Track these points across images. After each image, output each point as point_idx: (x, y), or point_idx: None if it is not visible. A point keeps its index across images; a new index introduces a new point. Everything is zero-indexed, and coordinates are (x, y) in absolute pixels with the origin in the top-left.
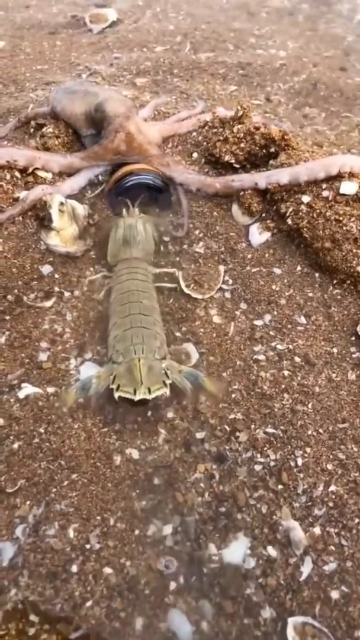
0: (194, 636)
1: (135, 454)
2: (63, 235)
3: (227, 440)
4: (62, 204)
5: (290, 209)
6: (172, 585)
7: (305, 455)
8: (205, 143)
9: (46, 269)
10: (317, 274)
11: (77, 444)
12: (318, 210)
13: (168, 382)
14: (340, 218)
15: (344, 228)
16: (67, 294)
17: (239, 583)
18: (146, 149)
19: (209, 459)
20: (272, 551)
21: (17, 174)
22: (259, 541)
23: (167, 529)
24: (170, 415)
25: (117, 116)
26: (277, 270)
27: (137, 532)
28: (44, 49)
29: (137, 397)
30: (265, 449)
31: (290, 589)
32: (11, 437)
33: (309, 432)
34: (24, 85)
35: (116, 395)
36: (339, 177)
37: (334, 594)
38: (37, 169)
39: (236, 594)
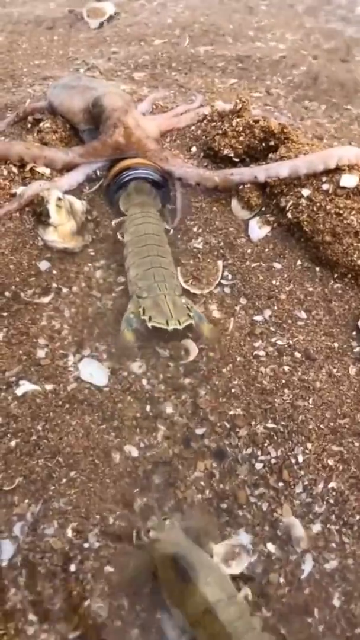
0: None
1: (134, 451)
2: (61, 231)
3: (227, 436)
4: (59, 199)
5: (290, 203)
6: None
7: (306, 451)
8: (204, 137)
9: (44, 265)
10: (317, 268)
11: (75, 441)
12: (318, 204)
13: (192, 314)
14: (341, 211)
15: (345, 221)
16: (65, 290)
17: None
18: (145, 143)
19: (209, 456)
20: (272, 548)
21: (14, 169)
22: (259, 538)
23: None
24: (169, 410)
25: (115, 110)
26: (277, 265)
27: (136, 529)
28: (41, 43)
29: (170, 327)
30: (265, 445)
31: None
32: (9, 435)
33: (310, 428)
34: (21, 81)
35: (149, 325)
36: (339, 170)
37: (335, 592)
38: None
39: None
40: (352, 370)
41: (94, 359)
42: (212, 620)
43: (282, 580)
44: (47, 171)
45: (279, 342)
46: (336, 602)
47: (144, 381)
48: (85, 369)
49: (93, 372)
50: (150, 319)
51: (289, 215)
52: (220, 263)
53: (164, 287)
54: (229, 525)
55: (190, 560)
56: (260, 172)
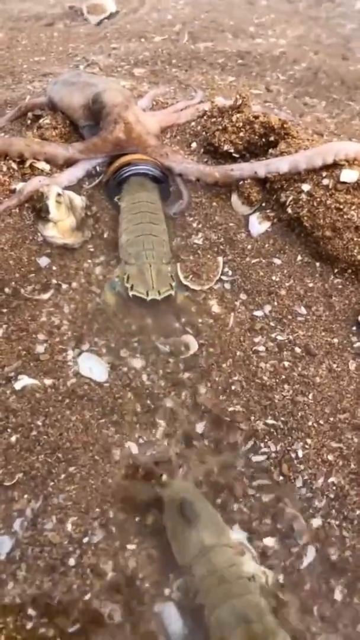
0: (185, 630)
1: (134, 448)
2: (60, 227)
3: (227, 432)
4: (59, 195)
5: (290, 198)
6: (170, 576)
7: (306, 446)
8: (204, 133)
9: (43, 261)
10: (317, 264)
11: (74, 437)
12: (318, 199)
13: (173, 284)
14: (341, 206)
15: (345, 216)
16: (64, 286)
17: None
18: (145, 139)
19: (209, 451)
20: (271, 542)
21: (13, 165)
22: (257, 534)
23: None
24: (169, 405)
25: (115, 106)
26: (277, 261)
27: (135, 523)
28: (41, 40)
29: (149, 298)
30: (266, 440)
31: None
32: (8, 430)
33: (310, 423)
34: (21, 77)
35: (130, 293)
36: (339, 165)
37: (336, 587)
38: (35, 160)
39: None
40: (352, 366)
41: (93, 354)
42: (206, 562)
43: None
44: (46, 167)
45: (279, 338)
46: (337, 596)
47: (144, 376)
48: (85, 364)
49: (92, 367)
50: (132, 287)
51: (289, 210)
52: (220, 259)
53: (151, 255)
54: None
55: (195, 506)
56: (261, 167)
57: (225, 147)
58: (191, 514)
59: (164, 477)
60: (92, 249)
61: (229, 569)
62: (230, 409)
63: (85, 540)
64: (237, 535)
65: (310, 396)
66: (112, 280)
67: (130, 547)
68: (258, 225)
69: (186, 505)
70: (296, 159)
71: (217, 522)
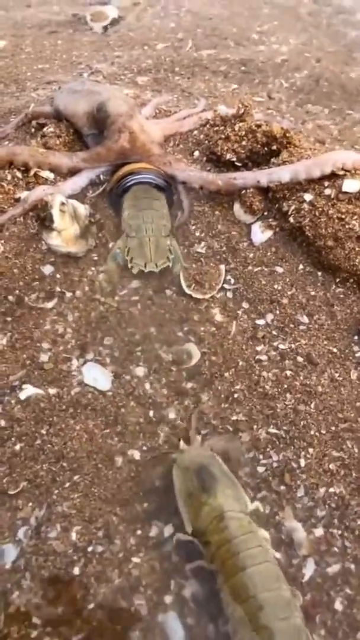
0: None
1: (137, 455)
2: (64, 236)
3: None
4: (63, 204)
5: (293, 207)
6: (173, 586)
7: (308, 455)
8: (206, 141)
9: (47, 270)
10: (319, 273)
11: (79, 446)
12: (320, 209)
13: (171, 257)
14: (343, 216)
15: (347, 226)
16: (68, 295)
17: None
18: (149, 148)
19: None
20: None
21: (18, 174)
22: None
23: (169, 530)
24: (172, 416)
25: (119, 115)
26: (280, 269)
27: (139, 533)
28: (45, 48)
29: (147, 269)
30: (267, 449)
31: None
32: (13, 439)
33: (312, 432)
34: (25, 85)
35: (130, 265)
36: (341, 175)
37: (337, 597)
38: (39, 169)
39: None
40: (354, 375)
41: (97, 364)
42: (222, 529)
43: None
44: (50, 176)
45: (281, 346)
46: (338, 607)
47: (147, 385)
48: (89, 373)
49: (96, 377)
50: (131, 259)
51: (292, 219)
52: (222, 267)
53: (151, 229)
54: None
55: (214, 471)
56: (263, 176)
57: (228, 156)
58: (210, 480)
59: (182, 444)
60: (96, 258)
61: (245, 537)
62: (233, 417)
63: (90, 549)
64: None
65: (312, 405)
66: (115, 251)
67: (135, 559)
68: (260, 234)
69: (204, 471)
70: (297, 168)
71: (236, 488)
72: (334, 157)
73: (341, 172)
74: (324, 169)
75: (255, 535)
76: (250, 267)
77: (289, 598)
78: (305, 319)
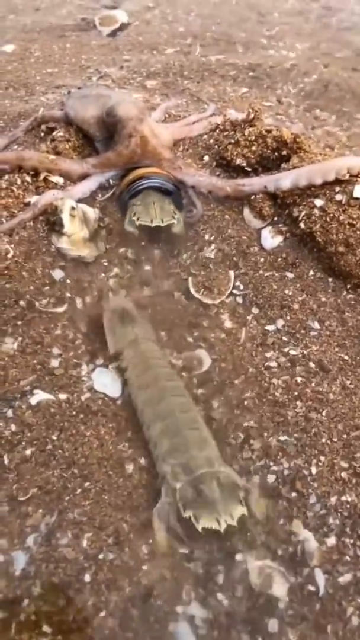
0: None
1: (150, 463)
2: (74, 240)
3: (240, 448)
4: (73, 208)
5: (303, 213)
6: (184, 596)
7: (319, 463)
8: (216, 146)
9: (58, 274)
10: (330, 279)
11: (89, 452)
12: (331, 214)
13: (176, 216)
14: (354, 222)
15: (358, 232)
16: (79, 300)
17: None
18: (160, 152)
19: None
20: (284, 562)
21: (28, 178)
22: (272, 552)
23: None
24: None
25: (130, 120)
26: (290, 275)
27: (150, 541)
28: (53, 52)
29: (153, 224)
30: (278, 457)
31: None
32: (23, 444)
33: (323, 440)
34: (34, 89)
35: (137, 223)
36: (350, 180)
37: (349, 606)
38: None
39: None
40: None
41: (107, 369)
42: (135, 347)
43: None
44: (60, 180)
45: (292, 353)
46: (350, 616)
47: None
48: (99, 379)
49: (106, 382)
50: (138, 219)
51: (302, 225)
52: (232, 272)
53: (156, 198)
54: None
55: (133, 313)
56: (270, 182)
57: (238, 161)
58: (129, 317)
59: (110, 294)
60: (105, 263)
61: (155, 359)
62: (244, 424)
63: (101, 556)
64: None
65: (324, 413)
66: (128, 219)
67: (146, 567)
68: (271, 239)
69: (126, 311)
70: (300, 173)
71: (151, 331)
72: (337, 164)
73: (346, 178)
74: (328, 176)
75: (165, 357)
76: (260, 272)
77: (196, 413)
78: (316, 325)
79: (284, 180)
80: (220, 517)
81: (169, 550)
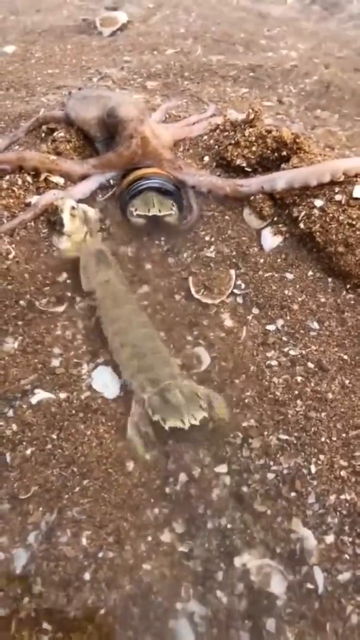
0: None
1: (149, 461)
2: (74, 239)
3: (239, 447)
4: (73, 208)
5: (303, 213)
6: (183, 593)
7: (319, 462)
8: (216, 146)
9: (58, 274)
10: (330, 279)
11: (89, 450)
12: (331, 214)
13: (174, 209)
14: (354, 222)
15: (358, 232)
16: (79, 299)
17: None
18: (160, 152)
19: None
20: (283, 560)
21: (28, 178)
22: (271, 550)
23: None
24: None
25: (131, 121)
26: (290, 275)
27: (149, 539)
28: (54, 52)
29: (150, 213)
30: (278, 456)
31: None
32: (24, 443)
33: (323, 439)
34: (35, 90)
35: (135, 214)
36: (352, 180)
37: (348, 605)
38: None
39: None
40: None
41: (107, 368)
42: (107, 287)
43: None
44: (60, 180)
45: (292, 352)
46: (349, 615)
47: None
48: (99, 378)
49: (106, 381)
50: (136, 210)
51: (302, 225)
52: (232, 272)
53: (156, 195)
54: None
55: (109, 257)
56: (266, 182)
57: (238, 162)
58: (105, 259)
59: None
60: None
61: (124, 298)
62: (244, 423)
63: (101, 554)
64: None
65: (323, 412)
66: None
67: (145, 565)
68: (270, 239)
69: (102, 253)
70: (295, 174)
71: (123, 276)
72: (330, 166)
73: (342, 180)
74: (323, 178)
75: (133, 298)
76: (260, 273)
77: (159, 341)
78: (315, 325)
79: (279, 180)
80: (184, 418)
81: (144, 455)
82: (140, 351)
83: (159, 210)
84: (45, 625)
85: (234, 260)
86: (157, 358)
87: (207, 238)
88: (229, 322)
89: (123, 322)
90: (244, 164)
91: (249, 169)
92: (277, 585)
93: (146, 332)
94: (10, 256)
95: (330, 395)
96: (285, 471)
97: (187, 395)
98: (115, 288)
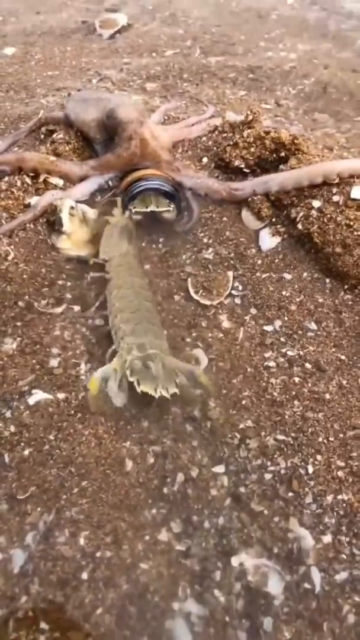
0: None
1: (147, 462)
2: (73, 239)
3: (237, 447)
4: (72, 208)
5: (301, 214)
6: (181, 593)
7: (316, 462)
8: (215, 148)
9: (57, 275)
10: (327, 280)
11: (87, 451)
12: (329, 215)
13: (172, 207)
14: (351, 223)
15: (355, 233)
16: (77, 300)
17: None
18: (159, 154)
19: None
20: (280, 560)
21: (27, 180)
22: (268, 549)
23: (177, 535)
24: (179, 420)
25: (130, 123)
26: (288, 276)
27: (147, 539)
28: (54, 54)
29: (149, 209)
30: (275, 456)
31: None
32: (22, 444)
33: (320, 439)
34: (34, 91)
35: (134, 211)
36: (350, 181)
37: (345, 604)
38: (49, 175)
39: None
40: None
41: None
42: (123, 259)
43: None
44: (60, 182)
45: (290, 353)
46: (346, 614)
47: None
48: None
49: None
50: (134, 207)
51: (300, 226)
52: (230, 273)
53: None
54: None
55: (133, 233)
56: (259, 185)
57: (236, 163)
58: (129, 234)
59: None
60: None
61: (136, 271)
62: (241, 424)
63: (98, 554)
64: None
65: (321, 412)
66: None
67: (143, 565)
68: (268, 240)
69: (128, 228)
70: (288, 176)
71: (138, 255)
72: (323, 168)
73: (336, 182)
74: (316, 179)
75: (144, 275)
76: (258, 274)
77: (158, 320)
78: (313, 326)
79: (271, 183)
80: (158, 388)
81: (99, 396)
82: (137, 317)
83: (157, 207)
84: (43, 625)
85: (231, 261)
86: (151, 328)
87: (205, 240)
88: (226, 324)
89: (129, 290)
90: (242, 165)
91: (247, 170)
92: (275, 585)
93: (148, 305)
94: (10, 257)
95: (327, 396)
96: (282, 471)
97: (167, 369)
98: (132, 261)
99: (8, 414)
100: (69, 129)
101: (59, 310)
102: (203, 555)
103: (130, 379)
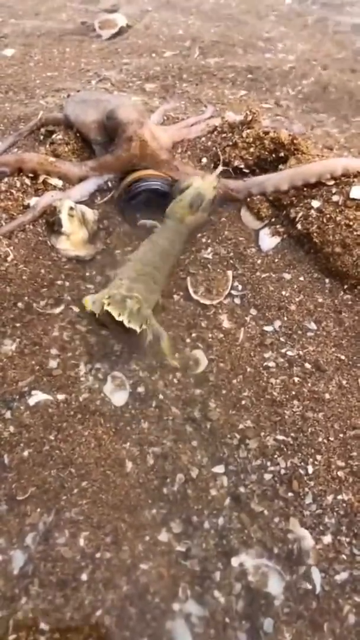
0: None
1: (147, 462)
2: (73, 240)
3: (237, 447)
4: (71, 208)
5: (300, 214)
6: (181, 594)
7: (316, 462)
8: (214, 148)
9: (56, 276)
10: (327, 280)
11: (87, 452)
12: (328, 215)
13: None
14: (351, 223)
15: (355, 233)
16: (76, 301)
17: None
18: (158, 154)
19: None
20: (280, 560)
21: (27, 181)
22: (268, 550)
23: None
24: (178, 421)
25: (130, 123)
26: (287, 276)
27: (147, 539)
28: (53, 55)
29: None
30: (275, 456)
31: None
32: (21, 445)
33: (320, 439)
34: (34, 92)
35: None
36: (349, 181)
37: (345, 605)
38: (48, 176)
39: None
40: None
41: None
42: (178, 222)
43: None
44: (59, 183)
45: (289, 353)
46: (346, 615)
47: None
48: (96, 379)
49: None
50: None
51: (299, 226)
52: (230, 273)
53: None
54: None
55: (205, 206)
56: (254, 186)
57: (236, 163)
58: (199, 205)
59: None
60: (103, 264)
61: (179, 244)
62: (240, 425)
63: (98, 555)
64: None
65: (320, 412)
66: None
67: (143, 565)
68: (268, 240)
69: (201, 199)
70: (283, 176)
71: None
72: (319, 167)
73: (331, 183)
74: (310, 179)
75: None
76: (257, 273)
77: (165, 277)
78: (313, 326)
79: (267, 183)
80: (125, 318)
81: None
82: (146, 271)
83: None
84: (43, 626)
85: (231, 261)
86: (151, 286)
87: (204, 239)
88: (226, 324)
89: (158, 250)
90: (242, 165)
91: (247, 170)
92: (275, 585)
93: (164, 269)
94: (9, 258)
95: (327, 396)
96: (282, 472)
97: (141, 314)
98: (183, 232)
99: (8, 414)
100: (68, 130)
101: (57, 310)
102: (203, 556)
103: (104, 302)
